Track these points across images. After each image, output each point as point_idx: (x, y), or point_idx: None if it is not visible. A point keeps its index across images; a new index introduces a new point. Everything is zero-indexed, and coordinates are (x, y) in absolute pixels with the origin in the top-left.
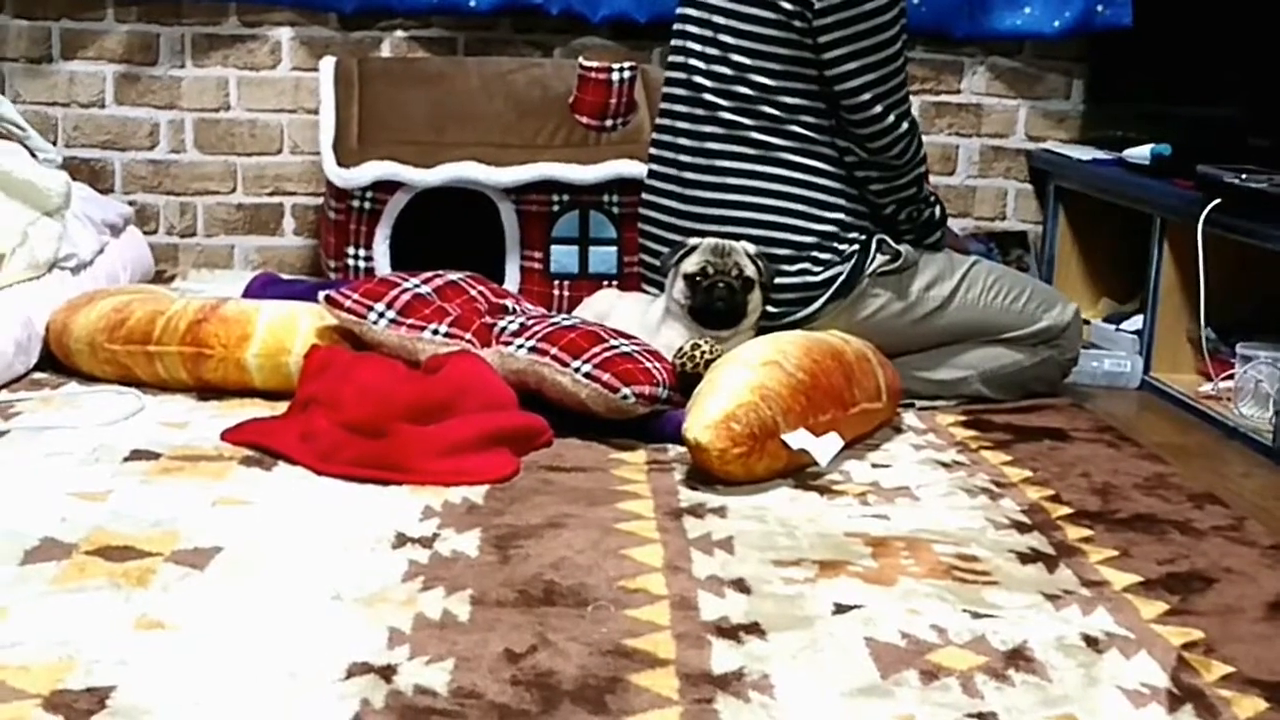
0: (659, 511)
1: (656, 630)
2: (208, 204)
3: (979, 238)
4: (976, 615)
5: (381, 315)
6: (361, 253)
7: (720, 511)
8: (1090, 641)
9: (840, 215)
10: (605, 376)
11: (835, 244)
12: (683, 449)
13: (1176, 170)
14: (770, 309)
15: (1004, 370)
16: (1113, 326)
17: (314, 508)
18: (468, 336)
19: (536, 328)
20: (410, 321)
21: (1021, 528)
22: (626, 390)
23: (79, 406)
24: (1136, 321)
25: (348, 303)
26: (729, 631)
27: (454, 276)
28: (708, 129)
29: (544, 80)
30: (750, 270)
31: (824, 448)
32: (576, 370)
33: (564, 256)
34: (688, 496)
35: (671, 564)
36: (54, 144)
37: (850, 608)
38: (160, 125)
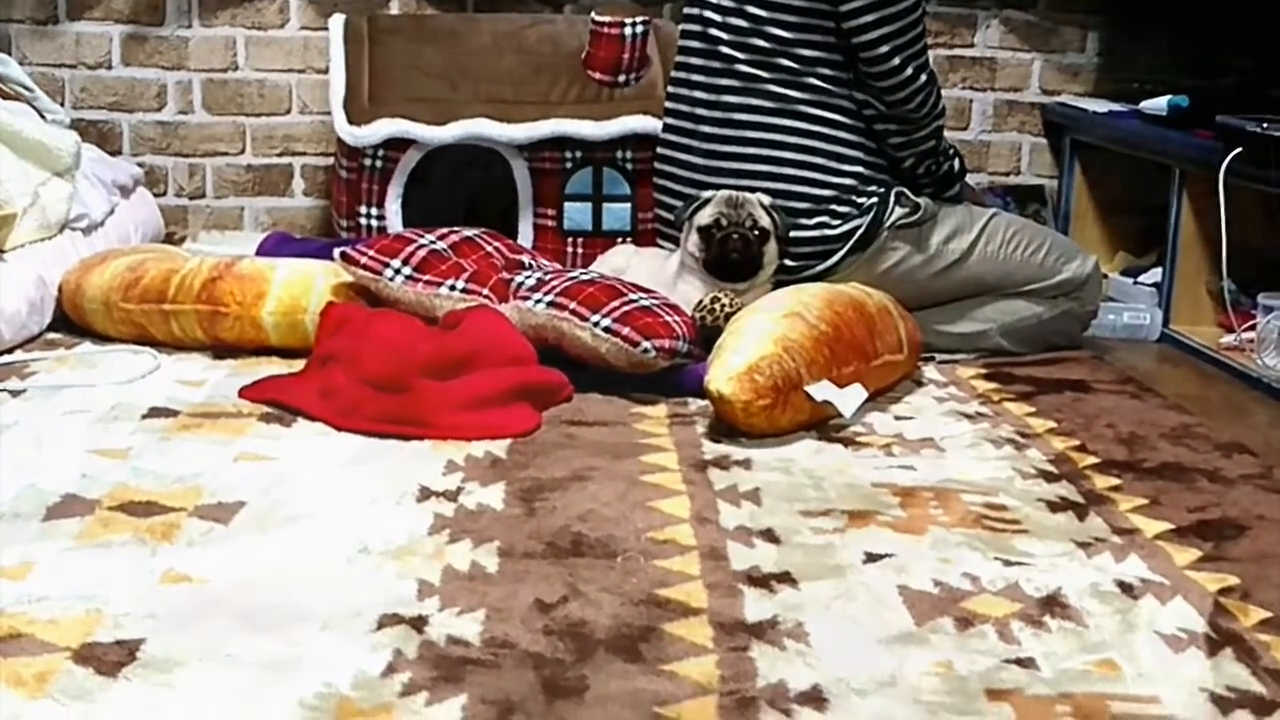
0: (684, 464)
1: (688, 580)
2: (217, 165)
3: (996, 192)
4: (1009, 563)
5: (398, 271)
6: (374, 211)
7: (745, 464)
8: (1125, 588)
9: (858, 168)
10: (625, 330)
11: (854, 197)
12: (704, 402)
13: (1195, 121)
14: (789, 262)
15: (1024, 323)
16: (1131, 280)
17: (336, 463)
18: (485, 292)
19: (554, 282)
20: (427, 277)
21: (1049, 477)
22: (647, 344)
23: (95, 365)
24: (1155, 274)
25: (364, 259)
26: (760, 581)
27: (469, 232)
28: (724, 82)
29: (556, 36)
30: (765, 221)
31: (848, 399)
32: (596, 324)
33: (577, 213)
34: (712, 449)
35: (699, 515)
36: (61, 106)
37: (881, 556)
38: (168, 86)
